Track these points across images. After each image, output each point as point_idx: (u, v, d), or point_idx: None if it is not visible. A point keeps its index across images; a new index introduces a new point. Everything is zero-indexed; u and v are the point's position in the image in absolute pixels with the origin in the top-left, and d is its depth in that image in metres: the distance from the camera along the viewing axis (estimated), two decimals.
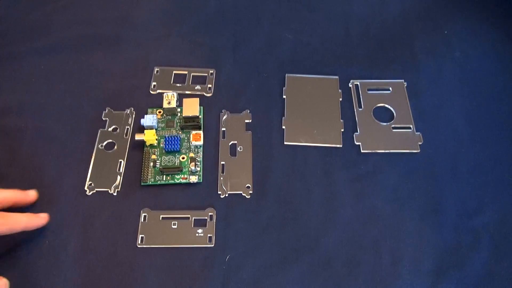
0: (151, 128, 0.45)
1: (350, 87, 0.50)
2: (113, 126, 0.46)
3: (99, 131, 0.46)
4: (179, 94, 0.47)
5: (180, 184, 0.43)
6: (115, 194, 0.42)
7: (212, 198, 0.42)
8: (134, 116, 0.47)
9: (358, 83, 0.50)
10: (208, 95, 0.49)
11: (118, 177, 0.43)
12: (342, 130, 0.47)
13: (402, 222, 0.41)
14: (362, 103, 0.48)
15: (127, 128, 0.46)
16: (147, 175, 0.43)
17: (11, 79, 0.49)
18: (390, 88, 0.49)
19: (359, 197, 0.43)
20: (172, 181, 0.43)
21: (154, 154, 0.44)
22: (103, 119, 0.47)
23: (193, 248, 0.40)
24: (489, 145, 0.46)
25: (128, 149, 0.45)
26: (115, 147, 0.45)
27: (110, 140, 0.45)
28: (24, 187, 0.42)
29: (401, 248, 0.40)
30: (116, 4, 0.55)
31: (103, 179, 0.43)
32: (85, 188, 0.42)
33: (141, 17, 0.54)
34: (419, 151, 0.45)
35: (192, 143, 0.44)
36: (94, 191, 0.42)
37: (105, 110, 0.47)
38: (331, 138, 0.46)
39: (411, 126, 0.47)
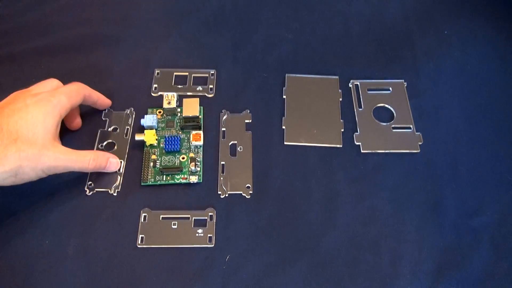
0: (151, 128, 0.45)
1: (350, 87, 0.50)
2: (113, 126, 0.46)
3: (99, 131, 0.46)
4: (180, 95, 0.47)
5: (180, 184, 0.43)
6: (115, 194, 0.42)
7: (212, 198, 0.42)
8: (134, 116, 0.47)
9: (358, 83, 0.50)
10: (210, 95, 0.49)
11: (118, 177, 0.43)
12: (342, 130, 0.47)
13: (402, 222, 0.41)
14: (362, 103, 0.48)
15: (127, 128, 0.46)
16: (147, 175, 0.43)
17: (11, 79, 0.49)
18: (390, 88, 0.49)
19: (359, 197, 0.43)
20: (172, 181, 0.43)
21: (154, 154, 0.44)
22: (103, 119, 0.47)
23: (193, 248, 0.40)
24: (489, 145, 0.46)
25: (128, 149, 0.45)
26: (115, 147, 0.45)
27: (110, 140, 0.45)
28: (24, 187, 0.42)
29: (401, 248, 0.40)
30: (116, 4, 0.55)
31: (103, 179, 0.43)
32: (85, 188, 0.42)
33: (141, 17, 0.54)
34: (419, 151, 0.45)
35: (192, 143, 0.44)
36: (94, 191, 0.42)
37: (105, 110, 0.47)
38: (331, 138, 0.46)
39: (411, 126, 0.47)
